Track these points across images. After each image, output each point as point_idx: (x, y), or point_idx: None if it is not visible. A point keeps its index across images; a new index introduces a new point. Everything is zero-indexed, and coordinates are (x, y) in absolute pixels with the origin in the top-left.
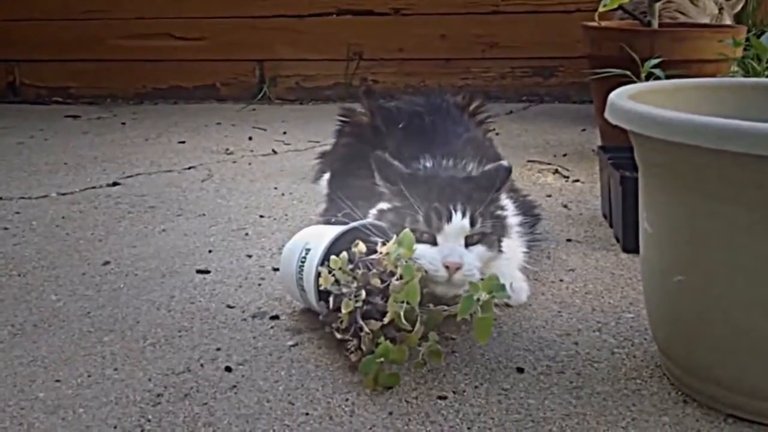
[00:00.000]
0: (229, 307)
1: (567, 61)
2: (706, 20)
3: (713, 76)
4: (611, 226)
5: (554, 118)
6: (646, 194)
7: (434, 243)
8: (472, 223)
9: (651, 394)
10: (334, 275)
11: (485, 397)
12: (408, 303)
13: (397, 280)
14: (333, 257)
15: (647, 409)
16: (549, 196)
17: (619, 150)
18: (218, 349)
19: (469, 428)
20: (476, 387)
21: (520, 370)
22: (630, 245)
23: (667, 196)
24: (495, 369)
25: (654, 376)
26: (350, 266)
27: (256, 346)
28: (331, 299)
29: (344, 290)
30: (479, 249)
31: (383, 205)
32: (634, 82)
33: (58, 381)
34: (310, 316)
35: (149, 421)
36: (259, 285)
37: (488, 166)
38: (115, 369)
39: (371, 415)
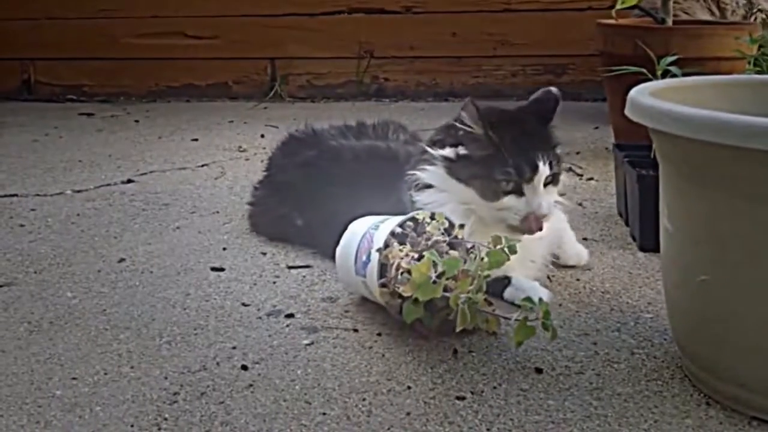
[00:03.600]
0: (244, 305)
1: (579, 58)
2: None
3: (729, 73)
4: (627, 224)
5: (566, 116)
6: (667, 192)
7: (521, 193)
8: (551, 167)
9: (673, 395)
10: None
11: (504, 398)
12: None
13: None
14: (439, 212)
15: (669, 410)
16: (563, 194)
17: (634, 148)
18: (234, 348)
19: (488, 429)
20: (495, 387)
21: (539, 371)
22: (647, 244)
23: (690, 194)
24: (513, 369)
25: (675, 377)
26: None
27: (271, 345)
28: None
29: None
30: (551, 189)
31: (459, 150)
32: (649, 79)
33: (74, 378)
34: (325, 315)
35: (166, 419)
36: (274, 283)
37: (538, 95)
38: (132, 367)
39: (389, 415)
